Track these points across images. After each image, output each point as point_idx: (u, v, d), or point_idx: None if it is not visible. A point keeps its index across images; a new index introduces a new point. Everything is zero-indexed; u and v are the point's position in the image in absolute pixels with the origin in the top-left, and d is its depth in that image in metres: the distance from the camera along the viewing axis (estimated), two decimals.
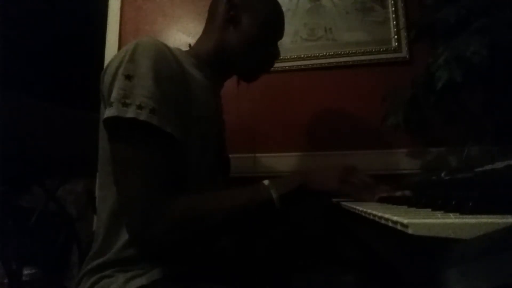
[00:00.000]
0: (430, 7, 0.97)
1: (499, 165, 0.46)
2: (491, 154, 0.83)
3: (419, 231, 0.26)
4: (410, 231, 0.27)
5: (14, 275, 0.76)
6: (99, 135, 0.70)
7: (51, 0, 1.97)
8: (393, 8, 1.32)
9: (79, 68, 1.76)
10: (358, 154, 1.25)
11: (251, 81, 0.89)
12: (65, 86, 1.70)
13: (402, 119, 1.02)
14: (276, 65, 1.35)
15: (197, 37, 0.85)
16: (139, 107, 0.57)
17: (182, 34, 1.51)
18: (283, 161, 1.30)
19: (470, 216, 0.29)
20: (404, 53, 1.29)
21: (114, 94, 0.58)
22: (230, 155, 0.93)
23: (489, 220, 0.26)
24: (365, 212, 0.42)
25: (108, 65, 0.65)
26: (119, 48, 1.55)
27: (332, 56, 1.35)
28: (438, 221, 0.27)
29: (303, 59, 1.36)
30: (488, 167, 0.47)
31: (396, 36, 1.30)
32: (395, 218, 0.30)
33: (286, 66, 1.37)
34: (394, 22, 1.31)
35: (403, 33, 1.29)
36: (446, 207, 0.35)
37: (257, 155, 1.31)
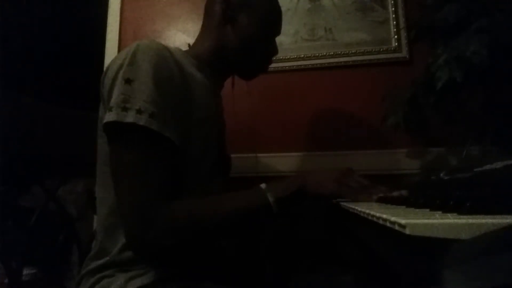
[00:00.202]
0: (430, 7, 0.97)
1: (498, 165, 0.46)
2: (491, 154, 0.83)
3: (416, 232, 0.26)
4: (407, 231, 0.27)
5: (14, 275, 0.76)
6: (98, 135, 0.70)
7: (51, 0, 1.98)
8: (393, 8, 1.32)
9: (79, 68, 1.76)
10: (358, 154, 1.25)
11: (250, 79, 0.89)
12: (65, 86, 1.70)
13: (402, 119, 1.02)
14: (276, 65, 1.36)
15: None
16: (139, 111, 0.57)
17: (182, 34, 1.51)
18: (283, 161, 1.30)
19: (468, 216, 0.29)
20: (404, 53, 1.29)
21: (113, 99, 0.58)
22: (231, 155, 0.93)
23: (488, 220, 0.26)
24: (364, 213, 0.42)
25: (108, 67, 0.65)
26: (119, 48, 1.55)
27: (332, 56, 1.34)
28: (436, 221, 0.27)
29: (303, 59, 1.36)
30: (487, 167, 0.47)
31: (396, 36, 1.30)
32: (393, 218, 0.30)
33: (286, 66, 1.37)
34: (394, 22, 1.31)
35: (403, 33, 1.29)
36: (445, 207, 0.35)
37: (258, 155, 1.31)
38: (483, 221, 0.26)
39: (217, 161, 0.78)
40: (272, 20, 0.85)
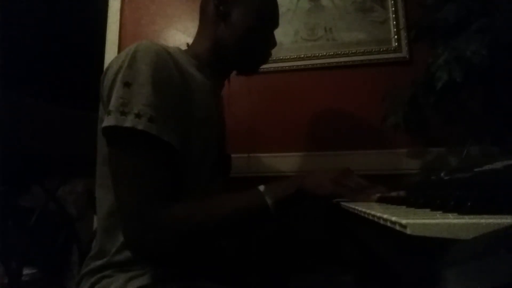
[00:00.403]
0: (430, 7, 0.97)
1: (498, 165, 0.46)
2: (491, 154, 0.83)
3: (417, 232, 0.26)
4: (408, 231, 0.27)
5: (14, 275, 0.76)
6: (98, 136, 0.70)
7: (51, 0, 1.97)
8: (393, 8, 1.32)
9: (79, 68, 1.76)
10: (357, 154, 1.25)
11: (251, 74, 0.89)
12: (65, 86, 1.70)
13: (402, 119, 1.02)
14: (276, 65, 1.37)
15: None
16: (138, 115, 0.57)
17: (182, 34, 1.51)
18: (283, 161, 1.30)
19: (468, 216, 0.29)
20: (404, 53, 1.29)
21: (112, 103, 0.59)
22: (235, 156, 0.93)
23: (488, 221, 0.26)
24: (364, 213, 0.42)
25: (107, 69, 0.65)
26: (119, 48, 1.55)
27: (332, 56, 1.34)
28: (437, 221, 0.27)
29: (303, 59, 1.36)
30: (487, 167, 0.47)
31: (396, 36, 1.30)
32: (393, 218, 0.30)
33: (286, 66, 1.37)
34: (394, 22, 1.31)
35: (403, 33, 1.29)
36: (445, 207, 0.35)
37: (258, 155, 1.31)
38: (483, 221, 0.26)
39: (217, 161, 0.78)
40: (267, 12, 0.83)
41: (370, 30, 1.33)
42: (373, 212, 0.38)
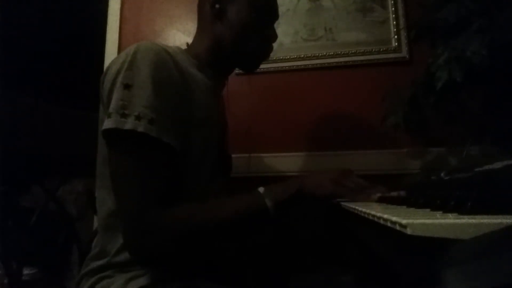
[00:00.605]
0: (430, 7, 0.97)
1: (498, 165, 0.46)
2: (491, 154, 0.83)
3: (417, 232, 0.26)
4: (408, 231, 0.27)
5: (14, 275, 0.76)
6: (98, 136, 0.70)
7: (51, 0, 1.97)
8: (393, 8, 1.32)
9: (79, 68, 1.76)
10: (358, 154, 1.25)
11: (252, 70, 0.88)
12: (65, 86, 1.70)
13: (402, 119, 1.02)
14: (276, 65, 1.37)
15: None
16: (138, 117, 0.57)
17: (182, 34, 1.51)
18: (283, 161, 1.30)
19: (469, 216, 0.29)
20: (404, 53, 1.29)
21: (112, 105, 0.58)
22: (234, 155, 0.93)
23: (488, 221, 0.26)
24: (365, 213, 0.42)
25: (107, 69, 0.65)
26: (119, 48, 1.55)
27: (332, 56, 1.34)
28: (437, 221, 0.27)
29: (303, 59, 1.36)
30: (487, 167, 0.47)
31: (396, 36, 1.30)
32: (394, 218, 0.30)
33: (286, 66, 1.37)
34: (394, 22, 1.31)
35: (403, 33, 1.29)
36: (445, 207, 0.35)
37: (258, 155, 1.31)
38: (483, 221, 0.26)
39: (218, 161, 0.78)
40: (263, 5, 0.81)
41: (370, 30, 1.33)
42: (373, 212, 0.38)
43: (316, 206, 0.94)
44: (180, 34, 1.52)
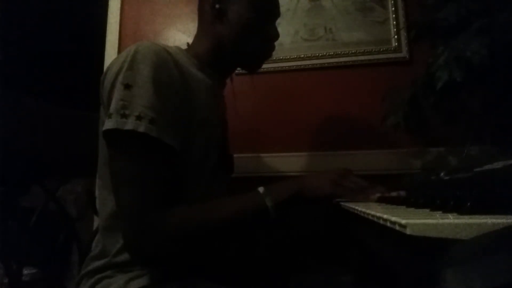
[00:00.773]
0: (430, 7, 0.97)
1: (498, 165, 0.46)
2: (491, 154, 0.83)
3: (417, 232, 0.26)
4: (408, 231, 0.27)
5: (14, 275, 0.76)
6: (99, 136, 0.70)
7: (51, 0, 1.98)
8: (393, 8, 1.32)
9: (79, 68, 1.76)
10: (358, 154, 1.25)
11: (255, 70, 0.87)
12: (65, 86, 1.71)
13: (402, 119, 1.02)
14: (276, 65, 1.37)
15: None
16: (138, 117, 0.57)
17: (182, 34, 1.51)
18: (283, 161, 1.30)
19: (468, 216, 0.29)
20: (404, 53, 1.29)
21: (113, 105, 0.58)
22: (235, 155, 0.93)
23: (488, 221, 0.26)
24: (364, 213, 0.42)
25: (107, 70, 0.65)
26: (119, 48, 1.55)
27: (332, 56, 1.34)
28: (437, 221, 0.27)
29: (303, 59, 1.36)
30: (487, 167, 0.47)
31: (396, 36, 1.30)
32: (393, 218, 0.30)
33: (286, 66, 1.37)
34: (394, 22, 1.31)
35: (403, 33, 1.29)
36: (445, 207, 0.35)
37: (258, 155, 1.31)
38: (483, 221, 0.26)
39: (219, 161, 0.78)
40: (264, 4, 0.80)
41: (370, 30, 1.33)
42: (373, 212, 0.38)
43: (316, 206, 0.94)
44: (180, 34, 1.52)
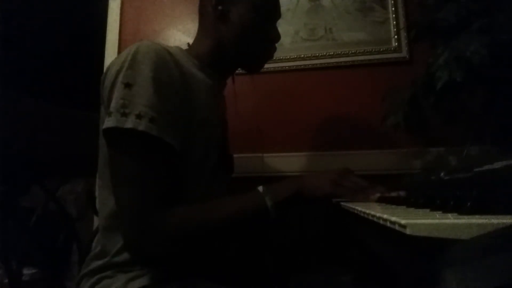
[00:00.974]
0: (430, 7, 0.97)
1: (498, 165, 0.46)
2: (491, 154, 0.83)
3: (417, 232, 0.26)
4: (408, 231, 0.27)
5: (14, 275, 0.76)
6: (99, 136, 0.70)
7: (51, 0, 1.98)
8: (393, 8, 1.32)
9: (79, 68, 1.76)
10: (358, 154, 1.25)
11: (256, 71, 0.87)
12: (65, 86, 1.71)
13: (402, 119, 1.02)
14: (276, 65, 1.36)
15: None
16: (138, 116, 0.57)
17: (182, 34, 1.51)
18: (283, 161, 1.30)
19: (468, 217, 0.29)
20: (404, 53, 1.29)
21: (113, 104, 0.58)
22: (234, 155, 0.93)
23: (488, 221, 0.26)
24: (364, 213, 0.42)
25: (108, 69, 0.65)
26: (119, 48, 1.55)
27: (332, 56, 1.34)
28: (436, 221, 0.27)
29: (303, 59, 1.36)
30: (487, 167, 0.47)
31: (396, 36, 1.30)
32: (393, 218, 0.30)
33: (286, 66, 1.37)
34: (394, 22, 1.31)
35: (403, 33, 1.29)
36: (445, 207, 0.35)
37: (258, 155, 1.31)
38: (483, 221, 0.26)
39: (219, 161, 0.78)
40: (266, 6, 0.80)
41: (370, 30, 1.33)
42: (373, 212, 0.38)
43: (316, 206, 0.94)
44: (180, 34, 1.52)
